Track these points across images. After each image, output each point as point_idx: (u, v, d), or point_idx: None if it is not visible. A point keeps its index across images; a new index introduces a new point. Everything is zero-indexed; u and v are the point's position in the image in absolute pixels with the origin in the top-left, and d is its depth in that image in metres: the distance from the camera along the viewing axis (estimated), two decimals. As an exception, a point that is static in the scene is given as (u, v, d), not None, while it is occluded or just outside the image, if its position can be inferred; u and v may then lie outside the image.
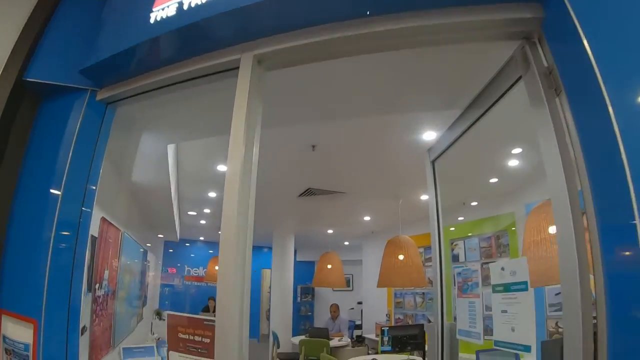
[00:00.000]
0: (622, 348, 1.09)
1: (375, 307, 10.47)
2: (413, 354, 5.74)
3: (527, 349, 1.54)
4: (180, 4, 1.87)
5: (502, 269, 1.74)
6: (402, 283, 5.97)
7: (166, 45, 1.97)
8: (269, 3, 1.67)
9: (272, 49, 1.81)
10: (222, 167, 3.97)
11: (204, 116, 2.75)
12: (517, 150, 4.20)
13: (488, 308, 1.97)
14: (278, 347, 8.32)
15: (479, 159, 4.55)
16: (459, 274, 2.22)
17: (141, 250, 5.41)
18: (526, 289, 1.58)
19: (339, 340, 8.10)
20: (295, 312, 11.54)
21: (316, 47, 1.77)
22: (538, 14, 1.53)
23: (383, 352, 5.52)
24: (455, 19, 1.61)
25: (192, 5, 1.83)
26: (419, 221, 7.70)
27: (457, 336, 2.18)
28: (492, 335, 1.86)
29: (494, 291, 1.77)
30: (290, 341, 8.85)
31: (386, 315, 9.69)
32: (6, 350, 1.97)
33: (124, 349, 2.39)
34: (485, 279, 2.06)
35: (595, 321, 1.18)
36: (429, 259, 8.31)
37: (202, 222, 8.79)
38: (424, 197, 6.47)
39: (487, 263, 2.13)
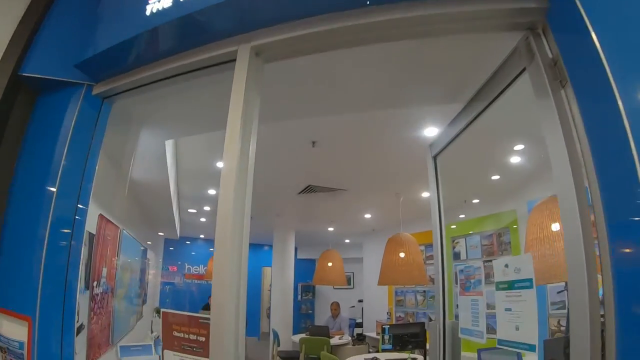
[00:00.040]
0: (631, 347, 1.05)
1: (376, 305, 10.46)
2: (414, 353, 5.71)
3: (532, 348, 1.50)
4: (177, -5, 1.83)
5: (506, 266, 1.70)
6: (403, 281, 5.95)
7: (162, 38, 1.93)
8: (266, -7, 1.64)
9: (270, 40, 1.77)
10: (221, 164, 3.93)
11: (203, 111, 2.70)
12: (519, 147, 4.16)
13: (490, 306, 1.94)
14: (278, 345, 8.31)
15: (480, 156, 4.51)
16: (461, 271, 2.18)
17: (141, 248, 5.39)
18: (531, 287, 1.54)
19: (339, 339, 8.08)
20: (295, 310, 11.52)
21: (315, 38, 1.73)
22: (542, 4, 1.49)
23: (384, 350, 5.49)
24: (457, 8, 1.57)
25: (188, -5, 1.79)
26: (420, 219, 7.67)
27: (460, 335, 2.15)
28: (494, 333, 1.83)
29: (498, 289, 1.73)
30: (290, 339, 8.83)
31: (387, 313, 9.67)
32: (1, 348, 1.94)
33: (120, 347, 2.36)
34: (487, 277, 2.03)
35: (603, 320, 1.14)
36: (430, 257, 8.33)
37: (203, 219, 8.75)
38: (425, 195, 6.44)
39: (489, 261, 2.09)
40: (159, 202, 5.62)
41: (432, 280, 7.95)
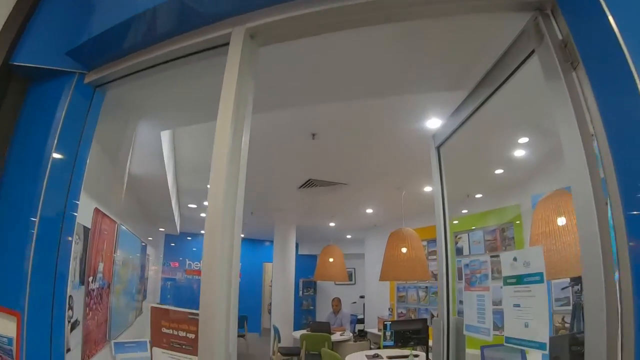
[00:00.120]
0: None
1: (377, 301, 10.46)
2: (416, 349, 5.67)
3: (542, 346, 1.42)
4: (168, -24, 1.75)
5: (515, 259, 1.62)
6: (405, 276, 5.93)
7: (154, 21, 1.85)
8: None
9: (265, 21, 1.68)
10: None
11: (199, 100, 2.62)
12: (523, 140, 4.09)
13: (495, 302, 1.87)
14: (279, 341, 8.30)
15: (484, 150, 4.46)
16: (467, 265, 2.11)
17: (140, 243, 5.34)
18: (541, 281, 1.46)
19: (340, 335, 8.06)
20: (297, 306, 11.52)
21: (313, 18, 1.64)
22: (551, -17, 1.41)
23: (385, 347, 5.45)
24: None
25: (180, -24, 1.71)
26: (422, 214, 7.63)
27: (464, 332, 2.07)
28: (497, 330, 1.77)
29: (505, 284, 1.65)
30: (291, 335, 8.82)
31: (389, 309, 9.66)
32: (-10, 344, 1.88)
33: (115, 343, 2.30)
34: (492, 272, 1.96)
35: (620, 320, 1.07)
36: (433, 252, 8.33)
37: (203, 215, 8.70)
38: (428, 189, 6.40)
39: (495, 256, 2.01)
40: (157, 197, 5.58)
41: (434, 275, 7.97)
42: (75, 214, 2.09)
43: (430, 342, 5.34)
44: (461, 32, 2.00)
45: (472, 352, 2.23)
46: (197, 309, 1.40)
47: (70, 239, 2.04)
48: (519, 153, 4.44)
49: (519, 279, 1.58)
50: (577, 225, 1.20)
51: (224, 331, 1.37)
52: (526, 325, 1.51)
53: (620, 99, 1.14)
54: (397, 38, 2.09)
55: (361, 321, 10.83)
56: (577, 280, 3.51)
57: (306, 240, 14.09)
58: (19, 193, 2.02)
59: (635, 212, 1.06)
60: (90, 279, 2.63)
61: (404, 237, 5.73)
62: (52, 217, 1.97)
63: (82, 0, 2.20)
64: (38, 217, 1.92)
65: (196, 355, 1.33)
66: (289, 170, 5.80)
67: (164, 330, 1.76)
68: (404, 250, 5.62)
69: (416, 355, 5.58)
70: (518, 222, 5.68)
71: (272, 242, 10.38)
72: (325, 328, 7.89)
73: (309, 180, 6.13)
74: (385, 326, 5.39)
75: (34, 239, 1.89)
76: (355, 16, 1.64)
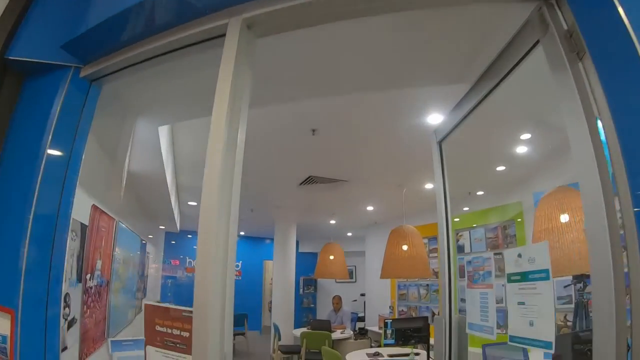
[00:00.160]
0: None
1: (378, 299, 10.43)
2: (417, 348, 5.65)
3: (548, 345, 1.38)
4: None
5: (519, 255, 1.58)
6: (406, 274, 5.90)
7: (149, 13, 1.81)
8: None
9: (262, 11, 1.64)
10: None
11: (197, 93, 2.55)
12: (525, 136, 4.06)
13: (497, 300, 1.84)
14: (280, 339, 8.27)
15: (485, 146, 4.43)
16: (469, 262, 2.07)
17: (140, 240, 5.32)
18: (547, 278, 1.41)
19: (341, 333, 8.04)
20: (297, 304, 11.50)
21: (312, 8, 1.61)
22: (555, -28, 1.38)
23: (386, 345, 5.43)
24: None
25: (176, -35, 1.68)
26: (423, 211, 7.61)
27: (467, 330, 2.03)
28: (500, 329, 1.73)
29: (509, 281, 1.61)
30: (292, 333, 8.80)
31: (389, 307, 9.63)
32: (-16, 342, 1.85)
33: (112, 341, 2.27)
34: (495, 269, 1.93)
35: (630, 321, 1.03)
36: (434, 250, 8.30)
37: (203, 213, 8.70)
38: (429, 186, 6.37)
39: (498, 254, 1.98)
40: (156, 195, 5.55)
41: (435, 273, 7.94)
42: (71, 210, 2.05)
43: (432, 341, 5.33)
44: (463, 23, 1.96)
45: (473, 350, 2.20)
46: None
47: (65, 235, 2.00)
48: (521, 149, 4.41)
49: (524, 276, 1.54)
50: (585, 222, 1.17)
51: (219, 330, 1.33)
52: (531, 324, 1.47)
53: (629, 90, 1.11)
54: (398, 29, 2.05)
55: (362, 319, 10.82)
56: (579, 278, 3.48)
57: (307, 238, 14.07)
58: (13, 188, 1.98)
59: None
60: (88, 276, 2.62)
61: (404, 235, 5.70)
62: (46, 213, 1.93)
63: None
64: (32, 212, 1.88)
65: (190, 354, 1.30)
66: (289, 167, 5.77)
67: (158, 328, 1.72)
68: (404, 247, 5.59)
69: (417, 354, 5.55)
70: (520, 219, 5.65)
71: (272, 239, 10.36)
72: (326, 326, 7.87)
73: (309, 177, 6.09)
74: (386, 324, 5.37)
75: (28, 234, 1.85)
76: (355, 6, 1.60)
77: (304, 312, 14.61)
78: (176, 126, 4.50)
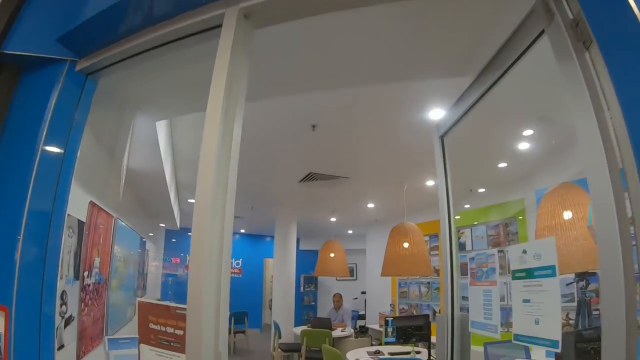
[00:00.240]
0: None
1: (379, 297, 10.43)
2: (418, 346, 5.62)
3: (554, 343, 1.34)
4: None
5: (524, 252, 1.53)
6: (407, 271, 5.87)
7: (144, 3, 1.78)
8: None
9: (261, 0, 1.60)
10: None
11: (194, 87, 2.50)
12: (528, 132, 4.02)
13: (499, 298, 1.81)
14: (280, 337, 8.25)
15: (487, 143, 4.40)
16: (472, 259, 2.03)
17: (139, 238, 5.29)
18: (554, 275, 1.37)
19: (341, 331, 8.02)
20: (298, 302, 11.49)
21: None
22: (559, -38, 1.33)
23: (387, 343, 5.40)
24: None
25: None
26: (424, 208, 7.58)
27: (470, 329, 1.99)
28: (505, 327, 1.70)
29: (514, 278, 1.56)
30: (292, 331, 8.78)
31: (390, 305, 9.61)
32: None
33: (109, 339, 2.24)
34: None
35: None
36: (435, 247, 8.27)
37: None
38: (430, 183, 6.34)
39: (500, 251, 1.94)
40: (155, 192, 5.53)
41: (436, 271, 7.92)
42: (66, 206, 2.02)
43: (433, 339, 5.31)
44: (466, 13, 1.92)
45: (474, 349, 2.17)
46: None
47: (60, 231, 1.97)
48: (523, 146, 4.37)
49: (529, 273, 1.49)
50: (594, 219, 1.12)
51: (213, 328, 1.29)
52: (537, 322, 1.43)
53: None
54: (398, 18, 2.01)
55: (362, 317, 10.80)
56: (582, 276, 3.45)
57: (307, 235, 14.07)
58: (6, 184, 1.96)
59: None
60: (86, 273, 2.58)
61: (405, 232, 5.67)
62: (40, 208, 1.91)
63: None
64: (26, 208, 1.85)
65: (184, 352, 1.26)
66: (290, 164, 5.74)
67: (152, 326, 1.67)
68: (405, 245, 5.57)
69: (418, 352, 5.53)
70: (521, 217, 5.64)
71: (273, 237, 10.35)
72: (326, 324, 7.84)
73: (310, 173, 6.07)
74: (387, 322, 5.34)
75: (22, 231, 1.82)
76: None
77: (305, 310, 14.61)
78: (175, 123, 4.48)
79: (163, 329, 1.63)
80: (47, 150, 1.96)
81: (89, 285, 2.66)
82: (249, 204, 9.04)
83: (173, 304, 1.67)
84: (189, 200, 7.69)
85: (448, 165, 2.30)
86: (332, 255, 8.15)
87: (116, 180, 3.45)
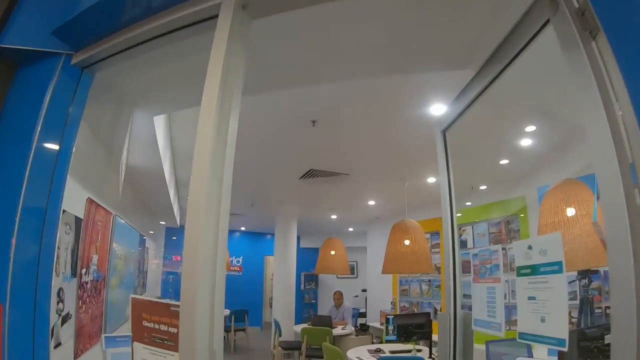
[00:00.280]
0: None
1: (379, 294, 10.41)
2: (419, 344, 5.59)
3: (561, 342, 1.30)
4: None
5: (529, 247, 1.49)
6: (408, 269, 5.85)
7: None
8: None
9: (259, -11, 1.57)
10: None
11: (192, 81, 2.49)
12: (530, 128, 3.98)
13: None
14: (280, 335, 8.23)
15: (489, 139, 4.37)
16: (475, 255, 1.99)
17: (138, 235, 5.28)
18: (560, 271, 1.33)
19: (342, 329, 7.99)
20: (298, 300, 11.47)
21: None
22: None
23: (388, 341, 5.37)
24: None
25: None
26: (425, 206, 7.55)
27: (473, 327, 1.95)
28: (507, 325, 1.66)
29: (519, 274, 1.52)
30: (292, 329, 8.76)
31: (391, 303, 9.59)
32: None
33: (105, 337, 2.21)
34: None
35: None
36: (436, 245, 8.24)
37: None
38: (431, 180, 6.31)
39: (503, 248, 1.90)
40: (155, 189, 5.50)
41: (437, 269, 7.89)
42: (61, 202, 1.99)
43: (434, 337, 5.28)
44: (469, 2, 1.89)
45: (476, 347, 2.14)
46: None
47: (54, 227, 1.94)
48: (526, 142, 4.33)
49: (534, 269, 1.45)
50: (603, 215, 1.08)
51: (208, 326, 1.24)
52: (542, 320, 1.39)
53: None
54: (400, 8, 1.98)
55: (363, 315, 10.78)
56: (584, 274, 3.42)
57: (308, 233, 14.06)
58: (0, 179, 1.92)
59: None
60: (84, 271, 2.58)
61: (406, 229, 5.65)
62: (35, 204, 1.88)
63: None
64: (20, 204, 1.82)
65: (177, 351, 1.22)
66: (290, 160, 5.71)
67: (145, 323, 1.63)
68: (407, 242, 5.54)
69: (419, 350, 5.51)
70: (522, 215, 5.60)
71: (273, 235, 10.33)
72: (327, 322, 7.82)
73: (310, 170, 6.04)
74: (387, 320, 5.31)
75: (16, 227, 1.79)
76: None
77: (305, 307, 14.61)
78: (173, 119, 4.44)
79: (157, 326, 1.59)
80: (41, 146, 1.94)
81: (86, 283, 2.66)
82: (249, 201, 9.02)
83: (167, 301, 1.63)
84: (189, 198, 7.66)
85: (450, 160, 2.27)
86: (332, 252, 8.12)
87: (115, 176, 3.43)
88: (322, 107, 3.79)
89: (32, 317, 1.79)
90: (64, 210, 2.07)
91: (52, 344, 2.00)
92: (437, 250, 8.16)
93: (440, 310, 8.05)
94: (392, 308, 9.46)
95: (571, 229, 2.46)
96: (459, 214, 2.25)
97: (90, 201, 2.66)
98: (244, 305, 11.01)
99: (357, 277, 14.66)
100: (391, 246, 5.71)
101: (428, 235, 7.82)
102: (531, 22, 1.52)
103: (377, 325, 8.62)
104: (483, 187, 6.29)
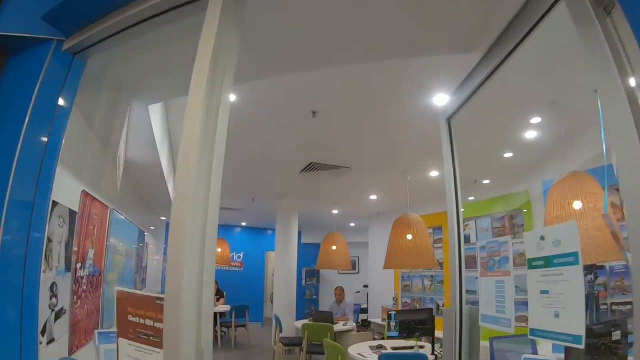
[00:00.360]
0: None
1: (381, 290, 10.39)
2: (421, 340, 5.54)
3: (577, 339, 1.22)
4: None
5: (542, 238, 1.41)
6: (410, 264, 5.81)
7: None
8: None
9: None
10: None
11: (186, 66, 2.44)
12: (536, 120, 3.90)
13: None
14: (281, 331, 8.19)
15: (493, 131, 4.30)
16: (483, 247, 1.90)
17: (137, 230, 5.23)
18: (576, 262, 1.24)
19: (343, 325, 7.94)
20: (300, 296, 11.44)
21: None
22: None
23: (389, 337, 5.32)
24: None
25: None
26: (428, 200, 7.49)
27: (481, 323, 1.87)
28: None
29: (530, 267, 1.44)
30: (293, 325, 8.72)
31: (393, 299, 9.56)
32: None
33: (99, 333, 2.14)
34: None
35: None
36: (438, 240, 8.19)
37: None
38: (434, 173, 6.24)
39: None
40: (153, 183, 5.44)
41: (440, 264, 7.84)
42: (49, 194, 1.92)
43: (437, 333, 5.23)
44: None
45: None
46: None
47: (43, 220, 1.88)
48: (531, 134, 4.25)
49: (548, 261, 1.37)
50: (624, 202, 1.01)
51: (195, 322, 1.15)
52: (556, 315, 1.31)
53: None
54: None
55: (364, 311, 10.73)
56: (590, 269, 3.35)
57: (309, 228, 14.02)
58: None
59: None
60: (79, 265, 2.54)
61: (409, 223, 5.60)
62: (22, 196, 1.81)
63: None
64: (7, 196, 1.75)
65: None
66: (290, 152, 5.65)
67: (130, 318, 1.55)
68: (409, 236, 5.49)
69: (421, 346, 5.45)
70: (525, 210, 5.56)
71: (274, 230, 10.29)
72: (328, 318, 7.78)
73: (311, 163, 5.98)
74: (389, 316, 5.27)
75: (3, 219, 1.72)
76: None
77: (306, 303, 14.59)
78: (171, 111, 4.38)
79: (142, 321, 1.50)
80: (30, 135, 1.86)
81: (82, 277, 2.62)
82: (249, 196, 8.96)
83: (153, 294, 1.54)
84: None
85: (455, 149, 2.19)
86: (334, 247, 8.08)
87: (112, 169, 3.37)
88: (323, 96, 3.71)
89: (19, 312, 1.72)
90: (56, 203, 2.02)
91: (44, 339, 1.96)
92: (440, 245, 8.12)
93: (443, 306, 8.00)
94: (393, 304, 9.43)
95: (578, 222, 2.39)
96: (461, 209, 2.18)
97: (85, 194, 2.61)
98: (245, 300, 10.99)
99: (358, 272, 14.62)
100: (393, 241, 5.66)
101: (430, 230, 7.78)
102: (541, 0, 1.44)
103: (379, 321, 8.58)
104: (486, 181, 6.23)
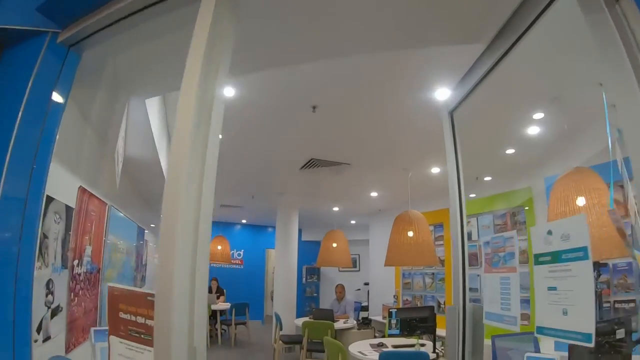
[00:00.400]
0: None
1: (382, 288, 10.40)
2: (422, 338, 5.51)
3: (587, 338, 1.17)
4: None
5: (549, 232, 1.37)
6: (411, 261, 5.78)
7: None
8: None
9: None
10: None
11: (183, 58, 2.41)
12: (538, 116, 3.86)
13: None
14: (281, 329, 8.17)
15: (495, 127, 4.27)
16: (487, 243, 1.86)
17: (137, 228, 5.21)
18: (586, 258, 1.20)
19: (344, 323, 7.94)
20: (300, 293, 11.43)
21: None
22: None
23: (390, 335, 5.30)
24: None
25: None
26: (429, 197, 7.45)
27: (485, 320, 1.83)
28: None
29: (537, 263, 1.39)
30: (294, 323, 8.71)
31: (394, 296, 9.55)
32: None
33: (95, 331, 2.11)
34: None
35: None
36: (440, 237, 8.16)
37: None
38: (435, 170, 6.21)
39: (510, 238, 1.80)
40: (152, 180, 5.39)
41: (442, 261, 7.81)
42: (43, 189, 1.89)
43: (438, 331, 5.21)
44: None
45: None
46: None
47: (36, 216, 1.84)
48: (533, 130, 4.21)
49: (556, 256, 1.32)
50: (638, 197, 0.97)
51: (187, 319, 1.10)
52: (564, 312, 1.26)
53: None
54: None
55: (365, 309, 10.72)
56: (593, 266, 3.32)
57: (309, 226, 14.02)
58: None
59: None
60: (76, 262, 2.52)
61: (410, 220, 5.57)
62: (14, 192, 1.78)
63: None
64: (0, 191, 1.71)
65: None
66: (290, 149, 5.63)
67: (122, 315, 1.51)
68: (410, 233, 5.46)
69: (422, 345, 5.42)
70: (527, 207, 5.54)
71: (274, 227, 10.28)
72: (329, 315, 7.76)
73: (311, 159, 5.95)
74: (390, 314, 5.25)
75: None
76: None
77: (307, 301, 14.60)
78: (170, 107, 4.34)
79: (133, 318, 1.46)
80: (23, 129, 1.83)
81: (79, 275, 2.60)
82: (249, 193, 8.93)
83: (144, 290, 1.50)
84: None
85: (458, 143, 2.15)
86: (334, 245, 8.06)
87: (110, 166, 3.33)
88: (323, 91, 3.67)
89: (12, 310, 1.69)
90: (52, 198, 2.00)
91: (40, 337, 1.94)
92: (441, 242, 8.10)
93: (444, 304, 7.98)
94: (394, 302, 9.42)
95: (585, 217, 2.37)
96: (464, 204, 2.15)
97: (82, 190, 2.59)
98: (245, 298, 10.97)
99: (359, 270, 14.62)
100: (394, 238, 5.63)
101: (432, 227, 7.75)
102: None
103: (380, 319, 8.55)
104: (488, 178, 6.20)
